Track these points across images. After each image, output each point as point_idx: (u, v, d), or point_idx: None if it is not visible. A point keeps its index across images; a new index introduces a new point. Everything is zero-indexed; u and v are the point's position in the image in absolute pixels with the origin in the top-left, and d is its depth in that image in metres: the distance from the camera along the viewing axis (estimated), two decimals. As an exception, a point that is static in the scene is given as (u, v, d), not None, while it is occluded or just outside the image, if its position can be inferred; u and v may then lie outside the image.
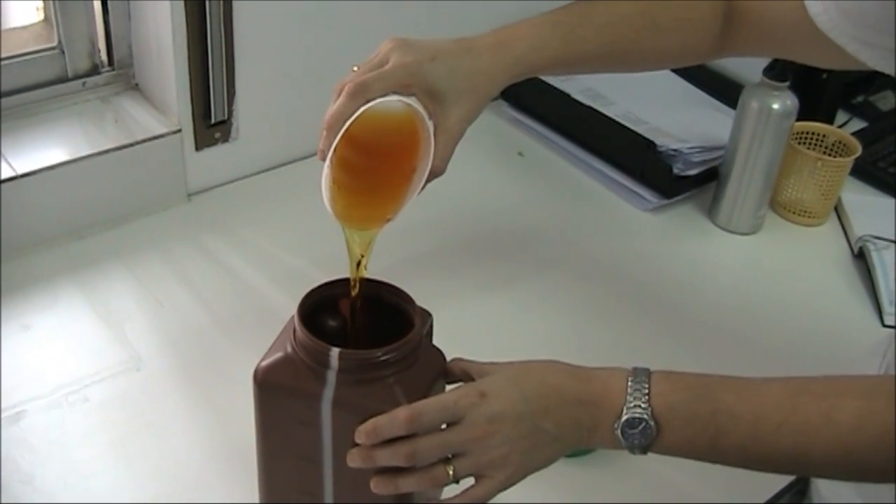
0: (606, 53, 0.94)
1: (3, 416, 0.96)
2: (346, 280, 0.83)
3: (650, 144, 1.31)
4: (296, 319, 0.77)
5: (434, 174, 0.85)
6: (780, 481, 0.96)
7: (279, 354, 0.77)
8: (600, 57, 0.95)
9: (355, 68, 0.86)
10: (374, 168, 0.83)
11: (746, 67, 1.33)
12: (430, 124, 0.83)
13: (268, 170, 1.32)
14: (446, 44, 0.88)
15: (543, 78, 1.43)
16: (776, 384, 0.75)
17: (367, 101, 0.81)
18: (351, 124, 0.79)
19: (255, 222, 1.23)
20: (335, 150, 0.79)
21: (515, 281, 1.17)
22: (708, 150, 1.33)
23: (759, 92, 1.22)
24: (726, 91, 1.42)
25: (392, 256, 1.05)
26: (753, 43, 0.96)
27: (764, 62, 1.21)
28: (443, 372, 0.80)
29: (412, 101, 0.83)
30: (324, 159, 0.80)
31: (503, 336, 1.09)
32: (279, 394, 0.77)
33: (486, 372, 0.78)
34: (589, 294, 1.16)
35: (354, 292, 0.82)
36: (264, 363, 0.77)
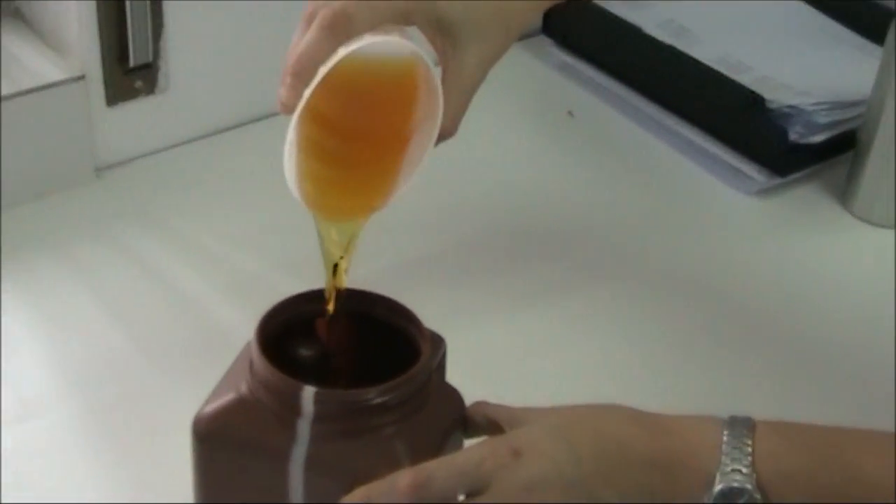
0: None
1: None
2: (322, 293, 0.84)
3: (756, 99, 1.32)
4: (253, 346, 0.78)
5: (441, 137, 0.85)
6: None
7: (230, 397, 0.78)
8: None
9: None
10: (360, 135, 0.84)
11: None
12: (436, 73, 0.83)
13: (210, 134, 1.34)
14: None
15: (604, 5, 1.45)
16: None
17: (351, 39, 0.82)
18: (329, 73, 0.80)
19: (191, 208, 1.25)
20: (306, 107, 0.79)
21: (561, 292, 1.19)
22: (841, 107, 1.33)
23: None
24: (868, 22, 1.43)
25: (387, 258, 1.08)
26: None
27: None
28: (461, 421, 0.82)
29: (412, 40, 0.83)
30: (288, 113, 0.81)
31: (542, 369, 1.10)
32: (230, 451, 0.78)
33: (521, 420, 0.79)
34: (665, 311, 1.18)
35: (331, 307, 0.84)
36: (209, 409, 0.78)
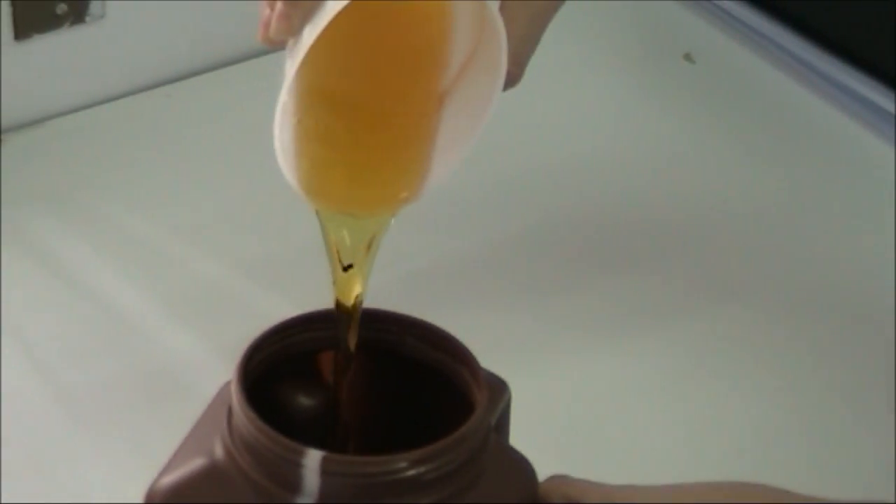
0: None
1: None
2: (330, 315, 0.85)
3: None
4: (234, 392, 0.78)
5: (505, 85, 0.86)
6: None
7: (198, 463, 0.78)
8: None
9: None
10: (374, 98, 0.85)
11: None
12: (500, 20, 0.83)
13: (158, 84, 1.36)
14: None
15: None
16: None
17: None
18: (342, 11, 0.80)
19: (128, 188, 1.27)
20: (306, 57, 0.79)
21: (672, 313, 1.20)
22: None
23: None
24: None
25: (420, 262, 1.08)
26: None
27: None
28: (531, 502, 0.83)
29: None
30: (271, 45, 0.82)
31: (644, 424, 1.10)
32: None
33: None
34: (818, 339, 1.18)
35: (345, 336, 0.85)
36: (168, 481, 0.78)
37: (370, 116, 0.85)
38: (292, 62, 0.80)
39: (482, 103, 0.83)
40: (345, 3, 0.77)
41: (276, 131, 0.80)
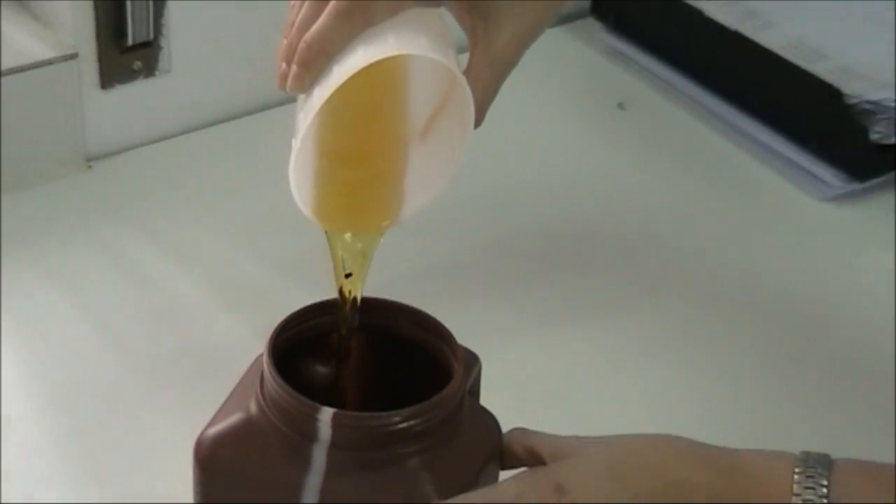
0: None
1: None
2: (337, 304, 0.84)
3: (834, 93, 1.31)
4: (265, 362, 0.77)
5: None
6: None
7: (236, 418, 0.78)
8: None
9: None
10: (357, 143, 0.84)
11: None
12: (467, 87, 0.81)
13: (215, 123, 1.34)
14: None
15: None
16: None
17: (368, 26, 0.80)
18: (348, 79, 0.77)
19: (192, 207, 1.25)
20: (319, 112, 0.78)
21: (610, 306, 1.18)
22: (931, 102, 1.32)
23: None
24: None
25: (410, 263, 1.07)
26: None
27: None
28: (497, 451, 0.81)
29: (448, 56, 0.80)
30: (287, 90, 0.81)
31: (589, 392, 1.09)
32: (235, 480, 0.77)
33: (566, 453, 0.78)
34: (730, 330, 1.17)
35: (347, 314, 0.84)
36: (213, 431, 0.78)
37: (357, 162, 0.84)
38: (304, 116, 0.79)
39: (453, 149, 0.82)
40: (347, 74, 0.77)
41: (291, 173, 0.79)
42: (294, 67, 0.80)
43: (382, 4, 0.80)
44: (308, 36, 0.80)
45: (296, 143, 0.78)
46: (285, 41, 0.83)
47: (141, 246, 1.21)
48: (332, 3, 0.80)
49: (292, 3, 0.85)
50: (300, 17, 0.82)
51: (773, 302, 1.20)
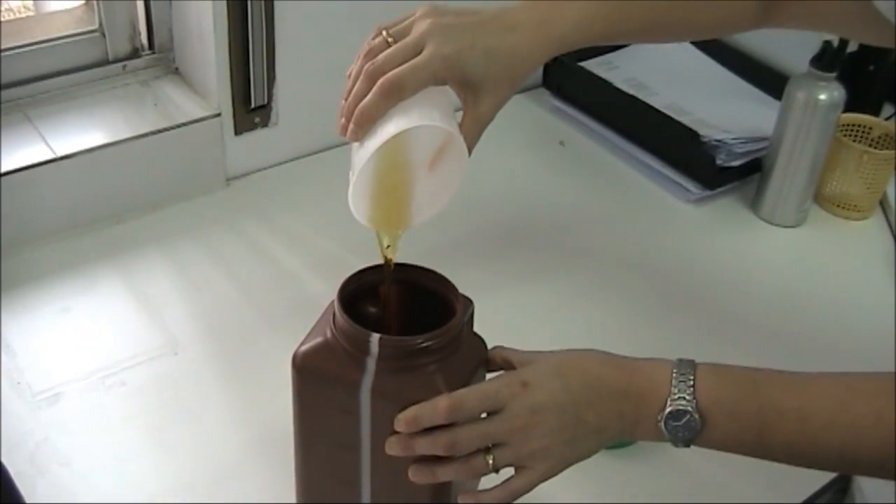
0: (650, 29, 0.92)
1: (41, 397, 0.96)
2: (381, 267, 0.82)
3: (694, 135, 1.29)
4: (336, 305, 0.76)
5: None
6: (820, 479, 0.94)
7: (318, 339, 0.76)
8: (644, 32, 0.93)
9: (384, 33, 0.82)
10: (401, 178, 0.81)
11: (793, 58, 1.31)
12: (464, 146, 0.80)
13: (305, 156, 1.31)
14: (487, 20, 0.83)
15: (587, 67, 1.42)
16: (825, 381, 0.73)
17: (401, 99, 0.78)
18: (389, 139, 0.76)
19: (292, 208, 1.23)
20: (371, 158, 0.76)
21: (554, 272, 1.16)
22: (752, 140, 1.31)
23: (806, 82, 1.19)
24: (771, 82, 1.40)
25: (425, 243, 1.04)
26: (799, 15, 0.94)
27: (811, 53, 1.19)
28: (484, 360, 0.79)
29: (451, 123, 0.79)
30: (346, 138, 0.79)
31: (541, 327, 1.07)
32: (318, 380, 0.76)
33: (528, 361, 0.77)
34: (629, 287, 1.15)
35: (387, 274, 0.81)
36: (303, 348, 0.76)
37: (390, 189, 0.81)
38: (357, 160, 0.77)
39: (452, 178, 0.81)
40: (384, 140, 0.76)
41: (350, 197, 0.78)
42: (351, 125, 0.78)
43: (411, 85, 0.78)
44: (361, 106, 0.78)
45: (352, 177, 0.77)
46: (344, 102, 0.81)
47: (263, 235, 1.19)
48: (378, 84, 0.78)
49: (349, 73, 0.83)
50: (356, 89, 0.80)
51: (650, 270, 1.18)
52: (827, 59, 1.18)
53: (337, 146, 1.31)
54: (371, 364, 0.74)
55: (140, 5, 1.21)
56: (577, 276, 1.15)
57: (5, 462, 0.87)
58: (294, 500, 0.84)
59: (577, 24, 0.87)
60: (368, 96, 0.78)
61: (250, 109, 1.23)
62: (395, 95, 0.78)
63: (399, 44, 0.81)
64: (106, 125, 1.17)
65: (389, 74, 0.78)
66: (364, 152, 0.77)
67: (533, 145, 1.37)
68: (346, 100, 0.81)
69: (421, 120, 0.77)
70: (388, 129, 0.76)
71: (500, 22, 0.84)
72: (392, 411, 0.73)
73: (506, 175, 1.30)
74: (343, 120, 0.80)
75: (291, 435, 0.80)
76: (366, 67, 0.80)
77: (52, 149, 1.12)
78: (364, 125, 0.78)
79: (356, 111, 0.78)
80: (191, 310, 1.07)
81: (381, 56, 0.80)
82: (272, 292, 1.10)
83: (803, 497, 0.93)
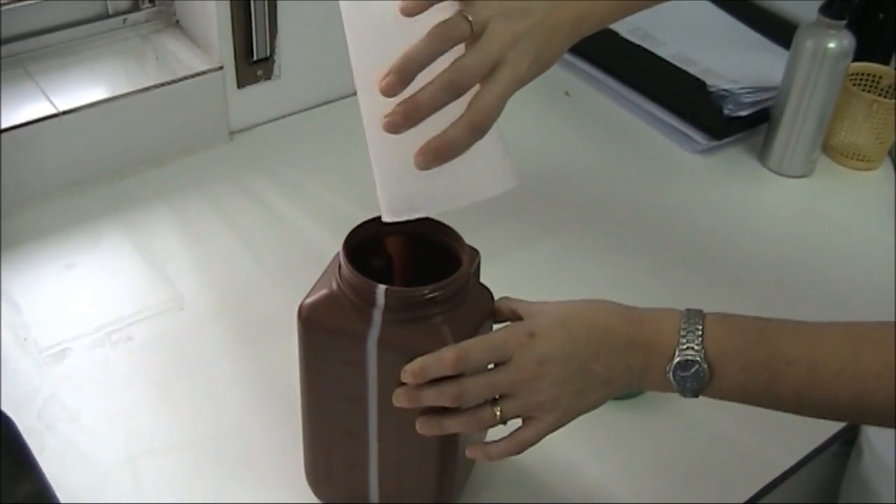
0: None
1: (47, 353, 0.96)
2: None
3: (701, 85, 1.28)
4: (341, 256, 0.75)
5: None
6: (827, 430, 0.94)
7: (324, 292, 0.75)
8: None
9: (464, 18, 0.74)
10: None
11: (801, 6, 1.29)
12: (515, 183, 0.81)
13: (309, 108, 1.30)
14: (544, 16, 0.81)
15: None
16: (835, 330, 0.73)
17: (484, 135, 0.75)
18: None
19: (296, 161, 1.22)
20: None
21: (560, 224, 1.15)
22: (760, 90, 1.29)
23: (815, 31, 1.18)
24: (780, 31, 1.38)
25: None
26: None
27: (820, 1, 1.17)
28: (491, 311, 0.78)
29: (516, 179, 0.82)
30: (387, 130, 0.72)
31: (549, 279, 1.07)
32: (324, 332, 0.75)
33: (535, 312, 0.76)
34: (635, 238, 1.14)
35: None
36: (309, 300, 0.75)
37: None
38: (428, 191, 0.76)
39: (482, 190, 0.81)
40: (456, 206, 0.76)
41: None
42: (429, 154, 0.73)
43: (493, 121, 0.78)
44: (450, 140, 0.73)
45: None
46: (389, 78, 0.71)
47: (267, 189, 1.18)
48: (468, 120, 0.74)
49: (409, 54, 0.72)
50: (432, 94, 0.72)
51: (657, 221, 1.18)
52: (836, 7, 1.16)
53: (340, 98, 1.30)
54: (377, 316, 0.73)
55: (139, -43, 1.20)
56: (584, 228, 1.15)
57: (14, 418, 0.87)
58: (301, 453, 0.84)
59: (601, 20, 0.91)
60: (458, 131, 0.73)
61: (253, 62, 1.21)
62: (481, 135, 0.75)
63: (477, 54, 0.74)
64: (107, 80, 1.16)
65: (481, 108, 0.74)
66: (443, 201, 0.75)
67: (538, 96, 1.36)
68: (397, 76, 0.71)
69: (494, 191, 0.78)
70: (462, 200, 0.76)
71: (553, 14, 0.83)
72: (399, 363, 0.72)
73: (510, 126, 1.28)
74: (400, 118, 0.71)
75: (297, 388, 0.80)
76: (444, 75, 0.72)
77: (53, 104, 1.11)
78: (445, 160, 0.73)
79: (441, 143, 0.72)
80: (195, 264, 1.07)
81: (458, 66, 0.73)
82: (277, 246, 1.09)
83: (811, 448, 0.93)
